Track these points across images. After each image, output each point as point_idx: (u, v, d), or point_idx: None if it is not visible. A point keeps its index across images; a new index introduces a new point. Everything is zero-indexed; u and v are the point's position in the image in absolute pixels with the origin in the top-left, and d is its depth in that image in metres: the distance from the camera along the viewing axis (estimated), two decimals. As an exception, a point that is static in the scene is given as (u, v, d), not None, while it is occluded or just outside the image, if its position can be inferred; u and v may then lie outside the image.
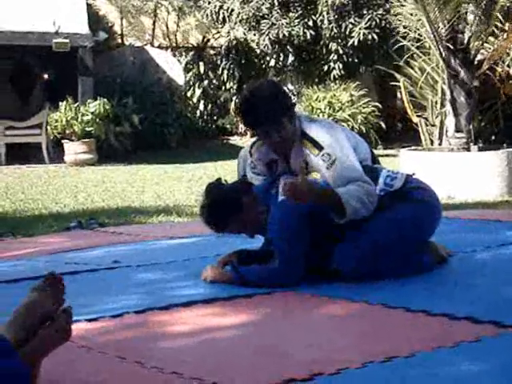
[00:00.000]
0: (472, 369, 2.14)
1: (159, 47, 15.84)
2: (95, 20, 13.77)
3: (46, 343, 2.03)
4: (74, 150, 11.52)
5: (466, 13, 7.22)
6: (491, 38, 7.93)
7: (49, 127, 11.76)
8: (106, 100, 11.74)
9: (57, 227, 5.61)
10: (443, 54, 7.19)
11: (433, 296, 2.86)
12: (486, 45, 7.70)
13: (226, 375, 2.15)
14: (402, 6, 7.43)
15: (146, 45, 15.99)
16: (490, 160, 7.28)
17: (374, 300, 2.85)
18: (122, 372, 2.24)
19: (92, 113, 11.53)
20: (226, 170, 10.30)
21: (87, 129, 11.51)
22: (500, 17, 7.46)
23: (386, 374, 2.12)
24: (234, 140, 15.05)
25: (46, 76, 14.25)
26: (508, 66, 8.78)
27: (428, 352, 2.28)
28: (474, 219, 4.74)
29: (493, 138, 8.76)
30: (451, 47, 7.15)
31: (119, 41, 16.00)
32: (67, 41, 11.88)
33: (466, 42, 7.25)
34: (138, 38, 17.21)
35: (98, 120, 11.55)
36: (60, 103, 11.71)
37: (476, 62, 7.38)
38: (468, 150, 7.37)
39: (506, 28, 7.71)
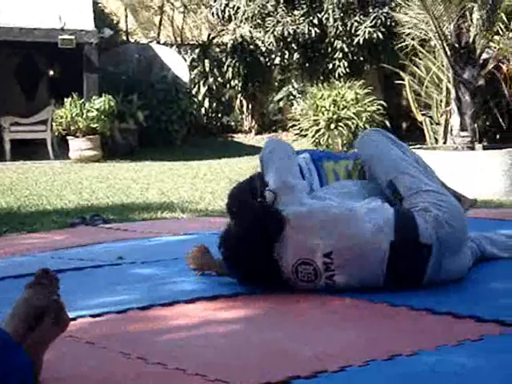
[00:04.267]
0: (475, 367, 2.15)
1: (165, 44, 15.86)
2: (101, 17, 13.80)
3: (46, 335, 2.07)
4: (78, 146, 11.54)
5: (471, 12, 7.21)
6: (496, 37, 7.93)
7: (54, 123, 11.78)
8: (111, 97, 11.77)
9: (61, 223, 5.62)
10: (448, 53, 7.19)
11: (436, 294, 2.86)
12: (491, 44, 7.69)
13: (229, 372, 2.15)
14: (408, 4, 7.42)
15: (151, 42, 16.01)
16: (494, 159, 7.28)
17: (377, 298, 2.85)
18: (125, 368, 2.24)
19: (97, 109, 11.55)
20: (231, 167, 10.31)
21: (92, 125, 11.53)
22: (504, 17, 7.45)
23: (389, 372, 2.12)
24: (239, 137, 15.06)
25: (51, 72, 14.27)
26: (513, 64, 8.79)
27: (431, 350, 2.28)
28: (479, 217, 4.73)
29: (498, 136, 8.75)
30: (456, 46, 7.15)
31: (125, 38, 16.02)
32: (73, 37, 11.90)
33: (471, 40, 7.24)
34: (144, 34, 17.24)
35: (102, 116, 11.57)
36: (65, 99, 11.73)
37: (481, 61, 7.37)
38: (473, 148, 7.37)
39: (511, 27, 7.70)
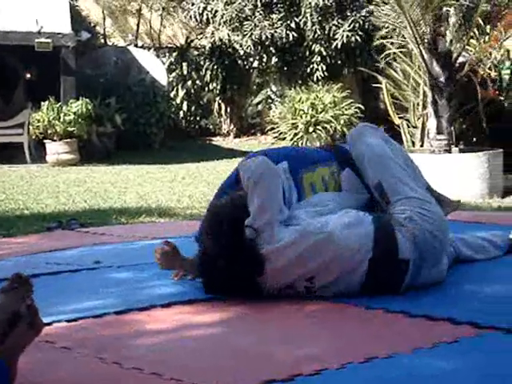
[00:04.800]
0: (450, 369, 2.16)
1: (142, 47, 15.82)
2: (78, 20, 13.73)
3: (20, 340, 2.06)
4: (55, 150, 11.47)
5: (448, 16, 7.26)
6: (472, 41, 7.99)
7: (31, 127, 11.71)
8: (88, 100, 11.71)
9: (38, 227, 5.58)
10: (425, 57, 7.23)
11: (412, 297, 2.87)
12: (467, 48, 7.74)
13: (205, 376, 2.15)
14: (385, 8, 7.46)
15: (129, 45, 15.96)
16: (470, 162, 7.33)
17: (353, 302, 2.86)
18: (101, 372, 2.23)
19: (74, 113, 11.50)
20: (209, 171, 10.30)
21: (69, 129, 11.47)
22: (481, 21, 7.51)
23: (365, 375, 2.14)
24: (217, 141, 15.05)
25: (28, 75, 14.18)
26: (489, 68, 8.85)
27: (407, 353, 2.30)
28: (454, 220, 4.76)
29: (474, 140, 8.81)
30: (433, 50, 7.19)
31: (102, 41, 15.97)
32: (50, 40, 11.84)
33: (447, 44, 7.29)
34: (122, 38, 17.20)
35: (80, 120, 11.51)
36: (42, 103, 11.66)
37: (457, 65, 7.42)
38: (449, 151, 7.41)
39: (487, 32, 7.76)
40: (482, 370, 2.15)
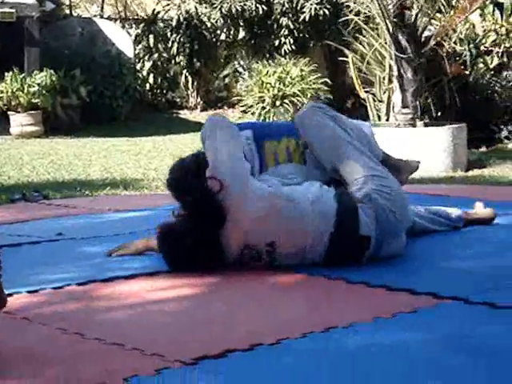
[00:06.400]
0: (409, 338, 2.19)
1: (108, 19, 15.63)
2: (42, -10, 13.49)
3: None
4: (19, 121, 11.33)
5: (414, -11, 7.26)
6: (438, 15, 8.01)
7: (-6, 98, 11.54)
8: (52, 71, 11.56)
9: (0, 199, 5.53)
10: (391, 30, 7.24)
11: (373, 269, 2.91)
12: (433, 21, 7.77)
13: (167, 347, 2.16)
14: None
15: (94, 16, 15.76)
16: (435, 136, 7.38)
17: (315, 272, 2.88)
18: (62, 343, 2.23)
19: (38, 84, 11.35)
20: (175, 144, 10.25)
21: (33, 100, 11.33)
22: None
23: (325, 344, 2.16)
24: (184, 114, 14.96)
25: (-9, 46, 13.95)
26: (455, 42, 8.88)
27: (367, 322, 2.32)
28: (419, 193, 4.80)
29: (439, 114, 8.86)
30: (399, 23, 7.20)
31: (67, 11, 15.73)
32: (13, 11, 11.64)
33: (413, 18, 7.30)
34: (87, 8, 16.96)
35: (44, 92, 11.37)
36: (5, 74, 11.49)
37: (423, 39, 7.44)
38: (414, 125, 7.46)
39: (453, 5, 7.78)
40: (441, 339, 2.19)
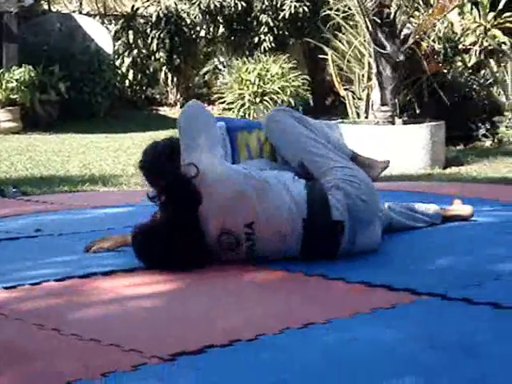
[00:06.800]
0: (387, 334, 2.20)
1: (87, 14, 15.54)
2: (20, -15, 13.39)
3: None
4: (-3, 117, 11.25)
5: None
6: (417, 13, 8.05)
7: (-28, 94, 11.44)
8: (31, 67, 11.48)
9: (-22, 196, 5.49)
10: (370, 28, 7.27)
11: (350, 265, 2.91)
12: (412, 19, 7.80)
13: (145, 342, 2.16)
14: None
15: (73, 12, 15.67)
16: (413, 133, 7.43)
17: (293, 268, 2.89)
18: (39, 338, 2.22)
19: (17, 80, 11.27)
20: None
21: (12, 96, 11.25)
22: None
23: (303, 340, 2.16)
24: (164, 110, 14.92)
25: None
26: (433, 41, 8.93)
27: (345, 318, 2.33)
28: (397, 190, 4.83)
29: (417, 112, 8.91)
30: (378, 21, 7.23)
31: (46, 7, 15.62)
32: (-9, 5, 11.55)
33: (392, 16, 7.33)
34: (65, 4, 16.86)
35: (22, 87, 11.29)
36: (-17, 69, 11.41)
37: (402, 37, 7.48)
38: (393, 123, 7.49)
39: (432, 3, 7.82)
40: (419, 335, 2.20)
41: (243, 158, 3.28)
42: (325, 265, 2.89)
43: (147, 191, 3.01)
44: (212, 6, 12.87)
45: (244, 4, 12.93)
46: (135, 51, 14.73)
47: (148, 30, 14.56)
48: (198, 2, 12.93)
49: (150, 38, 14.52)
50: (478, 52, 9.45)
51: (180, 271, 2.88)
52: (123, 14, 15.49)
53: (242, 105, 11.53)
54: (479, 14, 9.66)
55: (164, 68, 15.01)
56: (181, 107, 15.09)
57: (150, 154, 3.09)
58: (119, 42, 14.68)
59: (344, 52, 9.29)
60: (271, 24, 13.05)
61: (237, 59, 12.87)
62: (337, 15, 8.91)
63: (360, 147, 6.41)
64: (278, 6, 12.81)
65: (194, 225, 2.88)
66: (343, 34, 9.34)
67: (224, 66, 14.55)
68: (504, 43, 9.62)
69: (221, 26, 13.52)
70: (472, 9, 9.71)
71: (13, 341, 2.20)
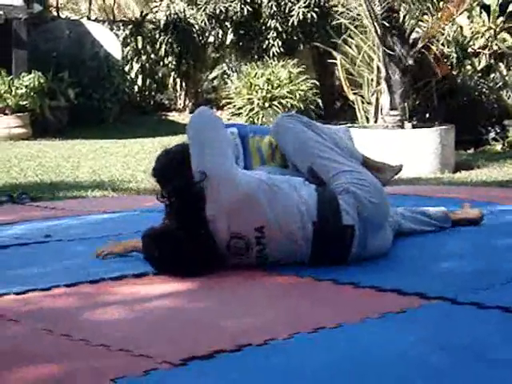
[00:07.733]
0: (397, 339, 2.20)
1: (96, 20, 15.60)
2: (30, -9, 13.45)
3: None
4: (7, 123, 11.29)
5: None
6: (426, 17, 8.04)
7: (-18, 100, 11.49)
8: (40, 74, 11.53)
9: (-12, 202, 5.50)
10: (379, 32, 7.26)
11: (360, 269, 2.91)
12: (420, 23, 7.79)
13: (154, 347, 2.16)
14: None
15: (82, 18, 15.73)
16: (423, 137, 7.41)
17: (303, 273, 2.88)
18: (48, 344, 2.22)
19: (26, 86, 11.31)
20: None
21: (21, 102, 11.29)
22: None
23: (313, 344, 2.16)
24: (172, 116, 14.95)
25: (-22, 48, 13.89)
26: (442, 44, 8.91)
27: (355, 323, 2.33)
28: (407, 194, 4.82)
29: (427, 116, 8.89)
30: (387, 25, 7.22)
31: (55, 13, 15.69)
32: (1, 12, 11.60)
33: (401, 20, 7.33)
34: (75, 10, 16.93)
35: (32, 94, 11.33)
36: (-7, 76, 11.45)
37: (411, 41, 7.47)
38: (402, 127, 7.48)
39: (441, 7, 7.81)
40: (429, 339, 2.19)
41: (255, 162, 3.29)
42: (335, 269, 2.88)
43: (157, 196, 3.02)
44: (218, 11, 12.89)
45: (250, 8, 12.94)
46: (144, 57, 14.76)
47: (157, 36, 14.60)
48: (203, 7, 12.95)
49: (158, 44, 14.56)
50: (487, 55, 9.43)
51: (190, 276, 2.88)
52: (132, 20, 15.53)
53: (251, 109, 11.54)
54: (488, 18, 9.64)
55: (173, 73, 15.04)
56: (190, 112, 15.11)
57: (162, 161, 3.12)
58: (128, 47, 14.71)
59: (353, 56, 9.29)
60: (280, 29, 13.05)
61: (245, 64, 12.89)
62: (346, 19, 8.90)
63: (369, 151, 6.41)
64: (287, 11, 12.81)
65: (203, 229, 2.89)
66: (352, 38, 9.33)
67: (233, 71, 14.56)
68: (513, 46, 9.60)
69: (229, 31, 13.53)
70: (481, 12, 9.69)
71: (23, 346, 2.20)
